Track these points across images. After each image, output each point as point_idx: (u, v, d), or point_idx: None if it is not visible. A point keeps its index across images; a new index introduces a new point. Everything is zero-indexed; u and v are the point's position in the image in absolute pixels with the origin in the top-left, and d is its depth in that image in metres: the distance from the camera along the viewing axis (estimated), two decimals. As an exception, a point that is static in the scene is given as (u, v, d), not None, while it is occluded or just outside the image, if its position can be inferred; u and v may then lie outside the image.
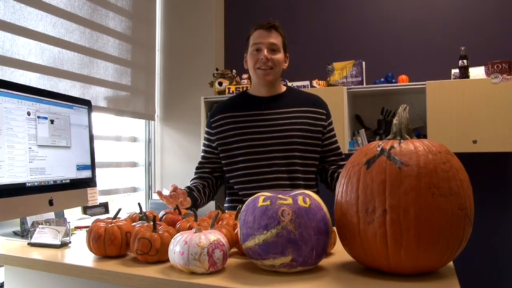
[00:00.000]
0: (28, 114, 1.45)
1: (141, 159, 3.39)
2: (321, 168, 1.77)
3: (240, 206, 1.57)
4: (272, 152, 1.66)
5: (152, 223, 1.12)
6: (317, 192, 1.75)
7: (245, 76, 3.08)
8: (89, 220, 1.71)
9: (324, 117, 1.75)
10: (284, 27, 1.75)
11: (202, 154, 1.82)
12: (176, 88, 3.44)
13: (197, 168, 1.83)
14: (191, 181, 1.78)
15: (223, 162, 1.73)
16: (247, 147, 1.67)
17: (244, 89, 2.68)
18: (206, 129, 1.82)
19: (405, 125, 1.01)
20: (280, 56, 1.69)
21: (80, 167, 1.67)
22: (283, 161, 1.65)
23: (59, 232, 1.30)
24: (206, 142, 1.80)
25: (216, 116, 1.77)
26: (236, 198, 1.72)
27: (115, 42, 2.93)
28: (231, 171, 1.71)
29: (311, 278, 0.94)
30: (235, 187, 1.72)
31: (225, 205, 1.81)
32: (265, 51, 1.65)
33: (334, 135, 1.79)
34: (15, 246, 1.32)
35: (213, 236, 0.99)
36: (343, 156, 1.79)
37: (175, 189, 1.48)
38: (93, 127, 1.77)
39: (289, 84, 2.87)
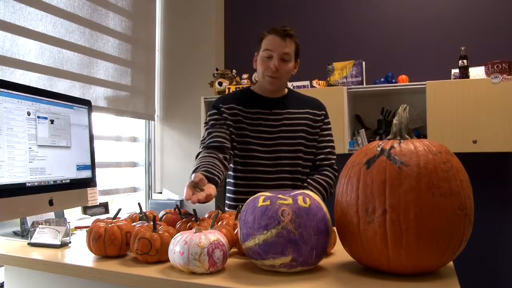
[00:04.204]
0: (28, 114, 1.45)
1: (141, 159, 3.39)
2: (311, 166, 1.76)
3: (240, 206, 1.57)
4: (279, 152, 1.68)
5: (152, 223, 1.12)
6: None
7: (245, 76, 3.08)
8: (89, 220, 1.71)
9: (322, 117, 1.77)
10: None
11: (214, 128, 1.68)
12: (176, 88, 3.44)
13: (213, 142, 1.65)
14: (204, 157, 1.57)
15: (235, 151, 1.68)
16: (257, 145, 1.68)
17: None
18: (214, 110, 1.72)
19: (405, 125, 1.01)
20: (290, 65, 1.67)
21: (80, 167, 1.67)
22: (288, 161, 1.68)
23: (59, 232, 1.30)
24: (221, 120, 1.68)
25: (227, 104, 1.72)
26: (236, 197, 1.73)
27: (115, 42, 2.93)
28: (239, 164, 1.70)
29: (311, 278, 0.94)
30: (238, 182, 1.72)
31: (226, 202, 1.81)
32: (276, 61, 1.62)
33: (327, 135, 1.78)
34: (15, 246, 1.32)
35: (213, 236, 0.99)
36: (334, 156, 1.78)
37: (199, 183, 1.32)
38: (93, 127, 1.77)
39: (289, 84, 2.86)
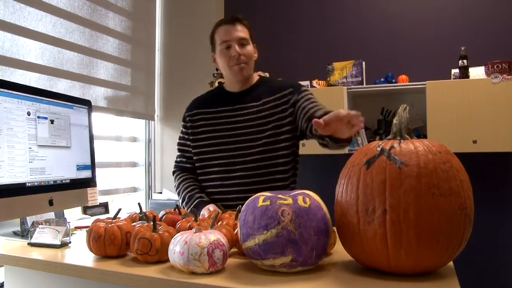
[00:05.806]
0: (28, 114, 1.45)
1: (141, 159, 3.39)
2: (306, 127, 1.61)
3: (240, 206, 1.57)
4: (241, 149, 1.62)
5: (152, 223, 1.12)
6: (293, 187, 1.66)
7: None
8: (89, 220, 1.71)
9: (290, 96, 1.63)
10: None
11: (183, 147, 1.77)
12: (176, 88, 3.44)
13: (184, 162, 1.77)
14: (186, 181, 1.72)
15: (194, 158, 1.72)
16: (215, 145, 1.66)
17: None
18: (182, 122, 1.79)
19: (405, 125, 1.01)
20: (250, 48, 1.65)
21: (80, 167, 1.67)
22: (254, 157, 1.60)
23: (59, 232, 1.30)
24: (186, 136, 1.76)
25: (191, 111, 1.76)
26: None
27: (115, 42, 2.93)
28: (201, 168, 1.70)
29: (311, 278, 0.94)
30: (203, 184, 1.71)
31: None
32: (236, 47, 1.60)
33: (308, 100, 1.61)
34: (15, 246, 1.32)
35: (213, 236, 0.99)
36: (322, 106, 1.60)
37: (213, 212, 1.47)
38: (93, 127, 1.77)
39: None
